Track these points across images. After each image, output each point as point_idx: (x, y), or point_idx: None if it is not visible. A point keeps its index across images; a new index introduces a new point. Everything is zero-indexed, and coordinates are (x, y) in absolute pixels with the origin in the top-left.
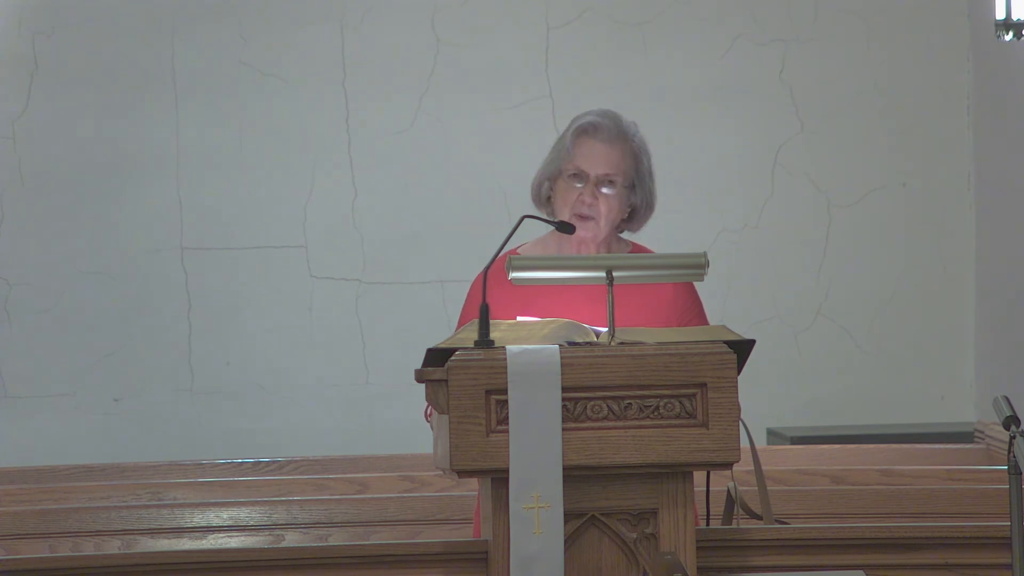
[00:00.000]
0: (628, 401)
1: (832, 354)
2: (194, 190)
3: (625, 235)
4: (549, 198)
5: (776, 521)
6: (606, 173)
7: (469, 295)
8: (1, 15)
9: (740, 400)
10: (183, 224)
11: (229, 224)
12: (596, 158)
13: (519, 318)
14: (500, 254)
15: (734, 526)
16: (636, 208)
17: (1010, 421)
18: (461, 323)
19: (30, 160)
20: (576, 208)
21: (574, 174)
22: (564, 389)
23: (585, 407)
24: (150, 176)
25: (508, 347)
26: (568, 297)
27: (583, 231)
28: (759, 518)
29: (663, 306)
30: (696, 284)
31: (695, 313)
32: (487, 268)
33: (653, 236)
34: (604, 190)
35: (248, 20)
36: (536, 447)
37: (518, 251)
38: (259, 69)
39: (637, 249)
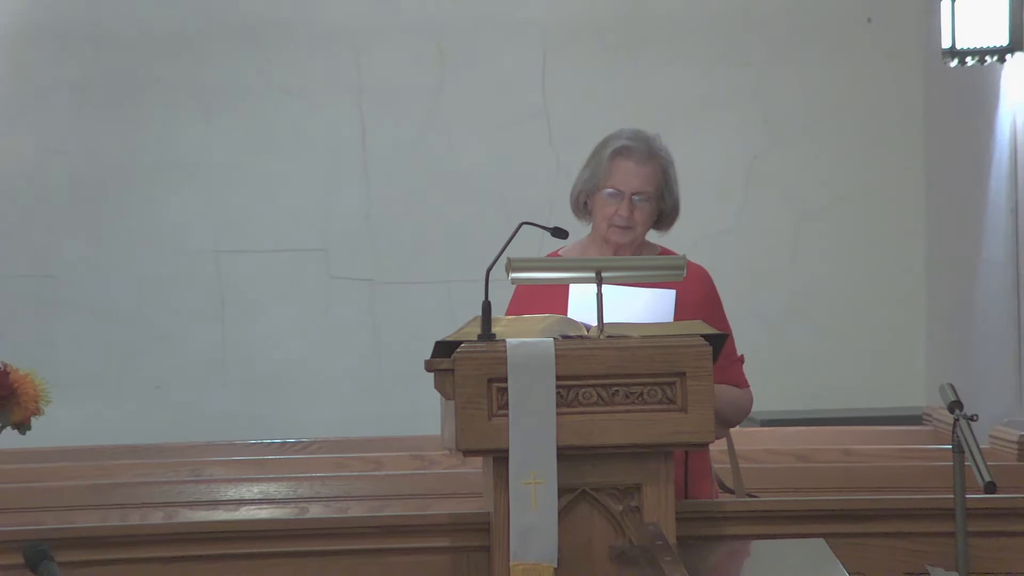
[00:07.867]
0: (615, 388)
1: (801, 348)
2: (225, 199)
3: (656, 239)
4: (586, 204)
5: (747, 495)
6: (640, 190)
7: (515, 293)
8: (54, 38)
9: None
10: (216, 230)
11: (257, 230)
12: (631, 177)
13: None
14: (500, 255)
15: (710, 500)
16: (664, 212)
17: (954, 406)
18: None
19: (79, 171)
20: (614, 221)
21: (611, 193)
22: (558, 378)
23: (577, 394)
24: (186, 186)
25: (508, 340)
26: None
27: (622, 238)
28: (732, 492)
29: (688, 306)
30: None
31: (709, 303)
32: (488, 269)
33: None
34: (638, 202)
35: (272, 45)
36: (533, 430)
37: (559, 253)
38: (283, 89)
39: (665, 251)
